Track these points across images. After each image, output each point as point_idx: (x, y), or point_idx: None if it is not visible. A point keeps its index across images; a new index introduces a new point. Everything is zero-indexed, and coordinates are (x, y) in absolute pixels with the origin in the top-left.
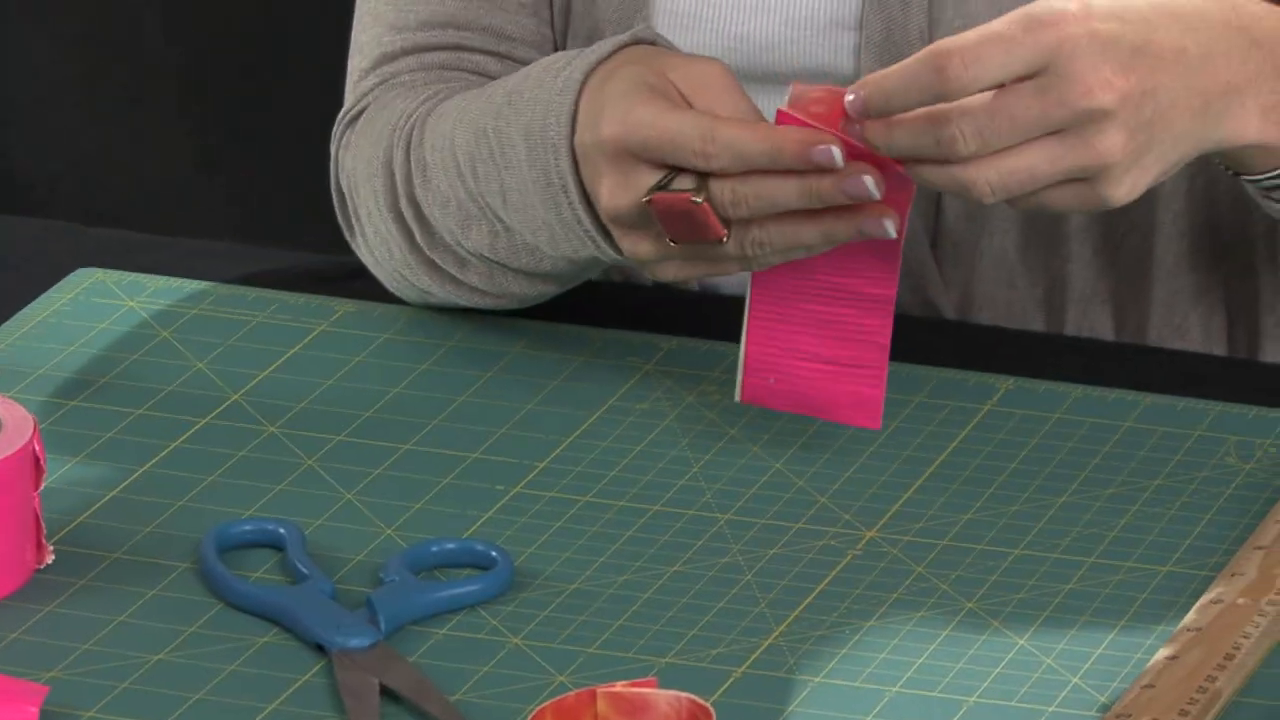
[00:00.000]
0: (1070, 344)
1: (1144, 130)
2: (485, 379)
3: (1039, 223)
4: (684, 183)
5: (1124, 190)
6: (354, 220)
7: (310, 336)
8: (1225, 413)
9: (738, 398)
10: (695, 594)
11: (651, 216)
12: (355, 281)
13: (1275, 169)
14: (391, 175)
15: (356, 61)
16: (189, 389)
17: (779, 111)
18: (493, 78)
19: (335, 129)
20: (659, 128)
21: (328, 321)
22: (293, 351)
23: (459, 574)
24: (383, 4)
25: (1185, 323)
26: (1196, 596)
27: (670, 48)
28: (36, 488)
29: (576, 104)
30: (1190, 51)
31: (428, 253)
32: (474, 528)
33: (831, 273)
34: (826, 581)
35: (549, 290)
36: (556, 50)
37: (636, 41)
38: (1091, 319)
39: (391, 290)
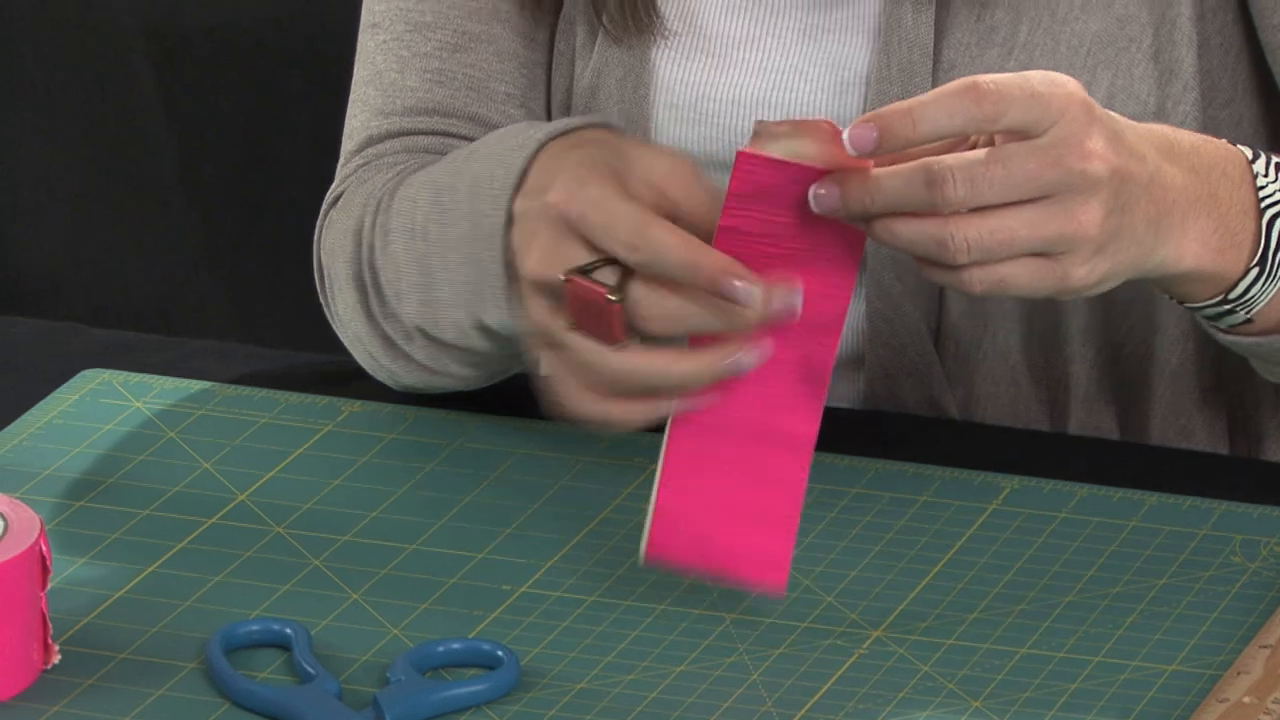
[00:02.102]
0: (1075, 443)
1: (1119, 214)
2: (491, 479)
3: (1041, 322)
4: (607, 276)
5: (1084, 272)
6: (330, 297)
7: (316, 437)
8: (1230, 512)
9: (642, 557)
10: (702, 693)
11: (563, 296)
12: (361, 382)
13: (1214, 298)
14: (359, 243)
15: (345, 146)
16: (195, 489)
17: (739, 152)
18: None
19: (322, 209)
20: (601, 208)
21: (334, 422)
22: (299, 452)
23: (465, 673)
24: (372, 90)
25: (1190, 424)
26: (1202, 695)
27: (634, 139)
28: (43, 588)
29: (528, 165)
30: (1149, 159)
31: (381, 323)
32: (480, 627)
33: (755, 408)
34: (833, 681)
35: (482, 373)
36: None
37: (604, 124)
38: (1096, 419)
39: (363, 365)
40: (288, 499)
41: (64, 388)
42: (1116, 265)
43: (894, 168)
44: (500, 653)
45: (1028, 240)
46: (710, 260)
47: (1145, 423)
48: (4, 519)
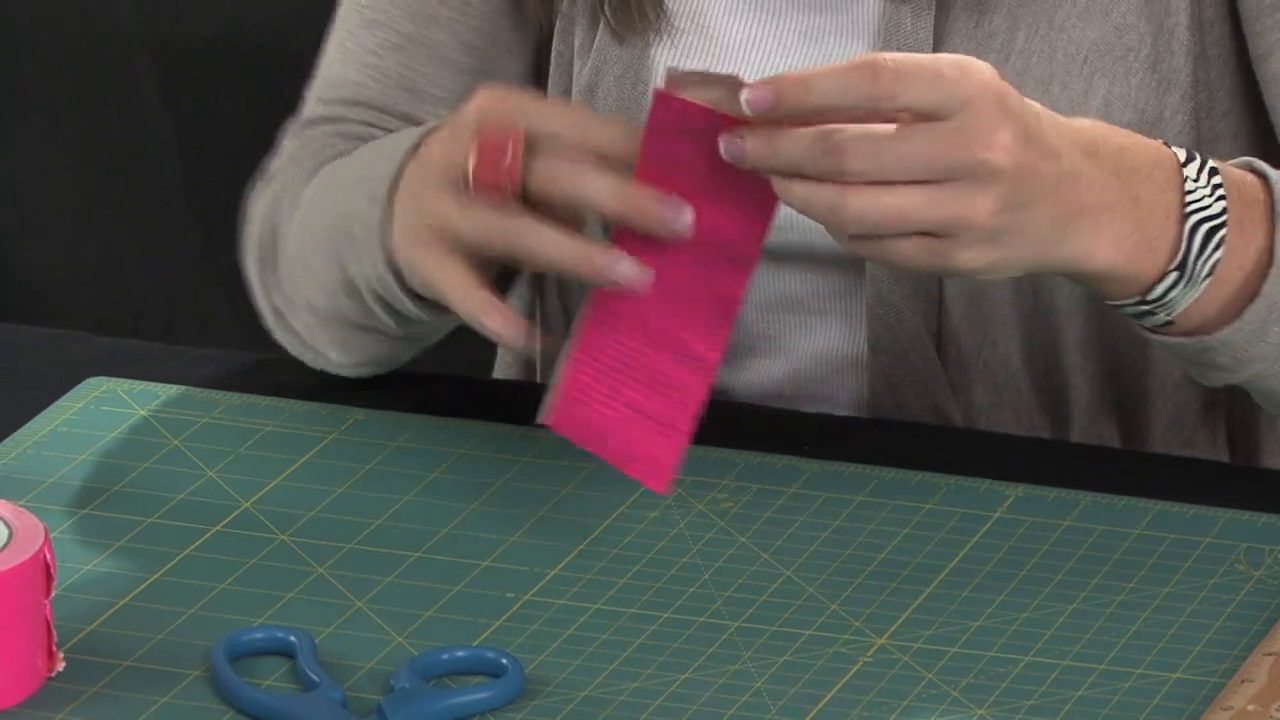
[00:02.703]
0: (1079, 452)
1: (1016, 210)
2: (495, 487)
3: (1039, 334)
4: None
5: (969, 257)
6: (244, 258)
7: (321, 445)
8: (1235, 520)
9: (541, 418)
10: (706, 701)
11: (470, 155)
12: (365, 390)
13: (1130, 298)
14: (268, 215)
15: (290, 126)
16: (199, 497)
17: (656, 91)
18: None
19: (255, 184)
20: (518, 100)
21: (338, 430)
22: (303, 460)
23: (469, 681)
24: (319, 78)
25: (1193, 436)
26: (1206, 703)
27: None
28: (47, 595)
29: (419, 141)
30: (1063, 160)
31: (271, 293)
32: (484, 635)
33: (667, 317)
34: (837, 689)
35: (349, 357)
36: None
37: None
38: (1098, 429)
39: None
40: (292, 507)
41: (68, 396)
42: (1007, 256)
43: (799, 130)
44: (504, 660)
45: (917, 220)
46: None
47: (1147, 434)
48: (8, 527)
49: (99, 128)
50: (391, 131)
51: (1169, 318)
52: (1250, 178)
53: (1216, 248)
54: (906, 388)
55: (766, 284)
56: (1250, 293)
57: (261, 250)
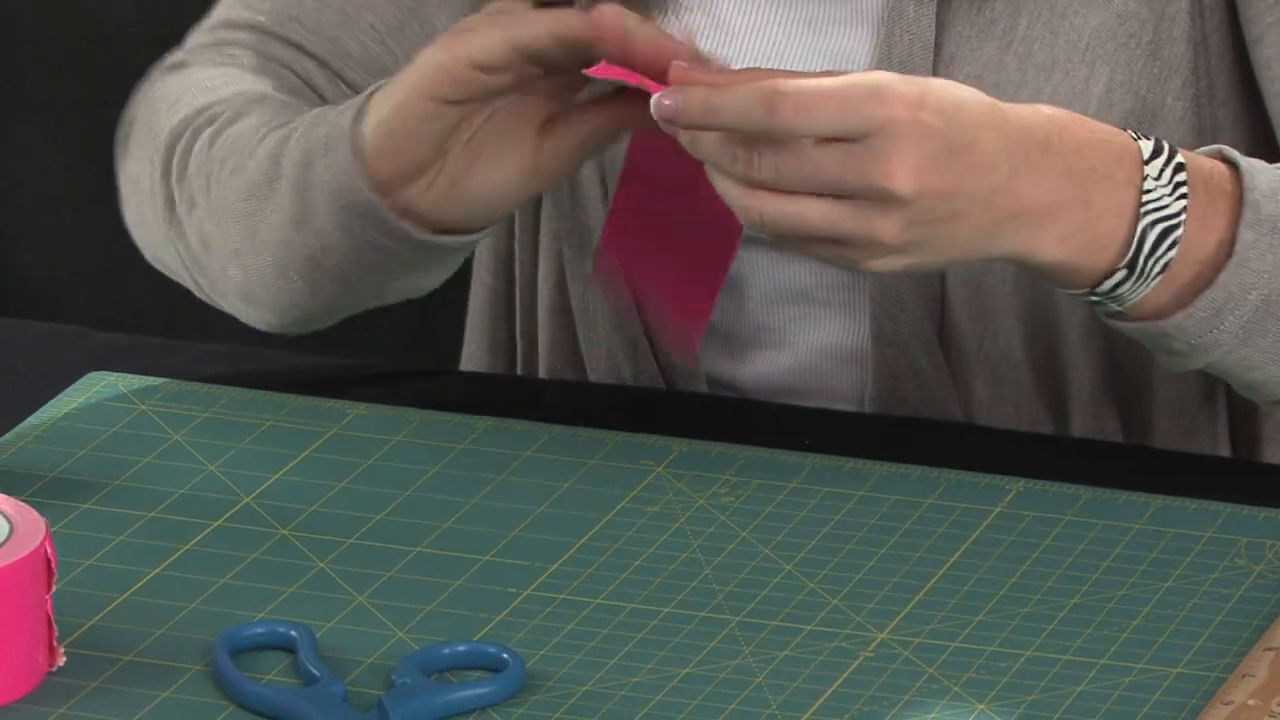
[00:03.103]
0: (1081, 446)
1: (925, 227)
2: (497, 482)
3: (1041, 327)
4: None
5: (878, 266)
6: (127, 148)
7: (322, 440)
8: (1236, 515)
9: (595, 252)
10: (707, 696)
11: None
12: (367, 385)
13: (1080, 289)
14: (199, 113)
15: (201, 24)
16: (201, 492)
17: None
18: (318, 93)
19: (156, 69)
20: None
21: (339, 425)
22: (304, 454)
23: (470, 676)
24: None
25: (1193, 426)
26: (1207, 698)
27: None
28: (48, 590)
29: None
30: (1000, 169)
31: (172, 185)
32: (485, 630)
33: (699, 180)
34: (838, 683)
35: (252, 277)
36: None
37: None
38: (1100, 422)
39: (129, 212)
40: (293, 502)
41: (69, 391)
42: (924, 262)
43: (709, 135)
44: (505, 655)
45: (820, 229)
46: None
47: (1148, 424)
48: (9, 522)
49: (100, 127)
50: (313, 59)
51: (1120, 308)
52: (1221, 168)
53: (1170, 247)
54: (908, 379)
55: (771, 275)
56: (1205, 281)
57: (172, 140)
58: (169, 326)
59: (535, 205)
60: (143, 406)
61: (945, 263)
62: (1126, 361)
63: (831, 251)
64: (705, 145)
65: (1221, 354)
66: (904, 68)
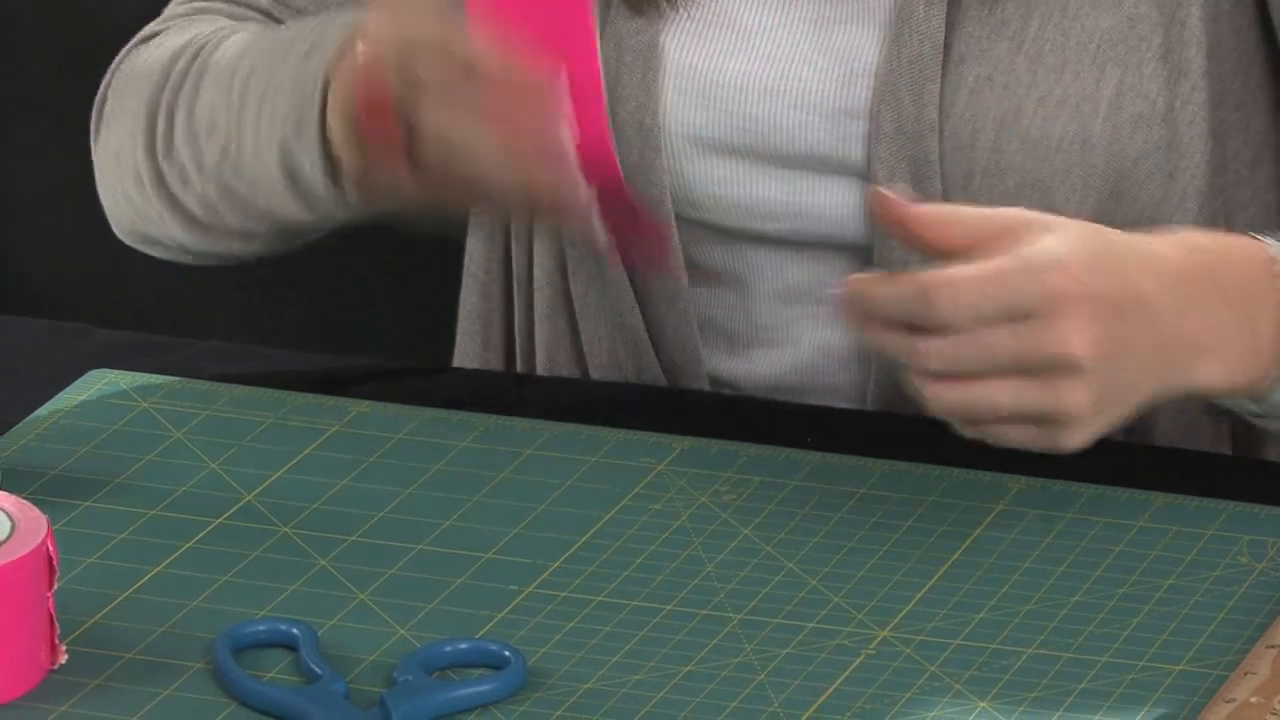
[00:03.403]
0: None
1: (1110, 385)
2: (498, 479)
3: None
4: None
5: (1079, 439)
6: (103, 123)
7: (324, 437)
8: (1237, 513)
9: None
10: (709, 694)
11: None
12: (368, 383)
13: (1241, 401)
14: (166, 77)
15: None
16: (202, 490)
17: None
18: None
19: (129, 44)
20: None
21: (341, 422)
22: (306, 452)
23: (472, 674)
24: None
25: (1196, 424)
26: (1209, 696)
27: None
28: (50, 588)
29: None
30: (1166, 310)
31: (159, 160)
32: (487, 628)
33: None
34: (840, 681)
35: (259, 241)
36: None
37: None
38: None
39: (110, 214)
40: (295, 499)
41: (71, 388)
42: (1120, 415)
43: (879, 340)
44: (507, 653)
45: (1010, 408)
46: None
47: (1150, 424)
48: (11, 519)
49: None
50: (291, 10)
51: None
52: None
53: None
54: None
55: (774, 274)
56: None
57: (151, 112)
58: (169, 326)
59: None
60: (144, 404)
61: (1138, 407)
62: None
63: (1028, 435)
64: (876, 339)
65: None
66: (913, 68)
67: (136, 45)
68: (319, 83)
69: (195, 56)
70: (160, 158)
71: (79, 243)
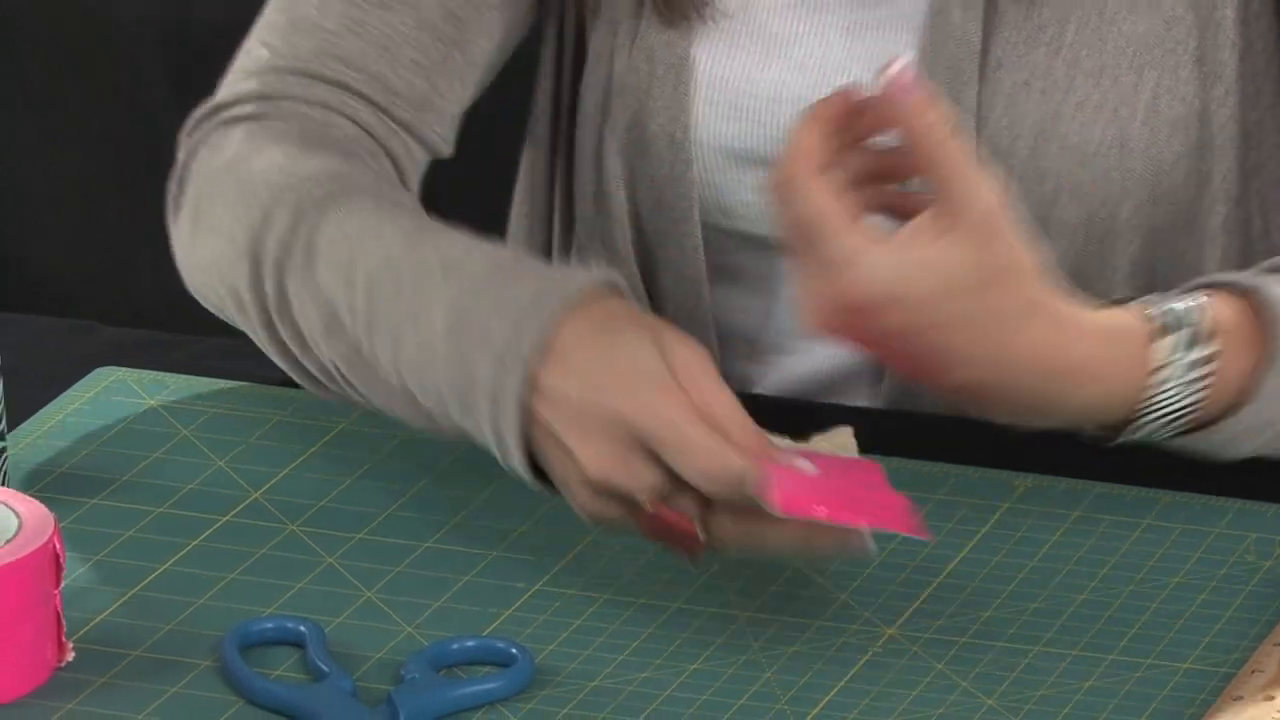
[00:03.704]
0: (1089, 442)
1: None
2: (504, 477)
3: None
4: (686, 503)
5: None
6: (191, 215)
7: (330, 435)
8: (1244, 510)
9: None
10: (716, 691)
11: (635, 507)
12: None
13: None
14: (268, 223)
15: (242, 61)
16: (209, 487)
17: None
18: (369, 132)
19: (196, 114)
20: (677, 432)
21: (347, 420)
22: (313, 450)
23: (479, 671)
24: (280, 16)
25: None
26: (1216, 694)
27: (650, 318)
28: (57, 585)
29: (551, 339)
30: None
31: (272, 313)
32: (494, 625)
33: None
34: (847, 679)
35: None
36: (450, 116)
37: (610, 283)
38: None
39: (191, 288)
40: (301, 497)
41: (77, 386)
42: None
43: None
44: (514, 650)
45: None
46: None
47: None
48: (18, 517)
49: (107, 119)
50: (359, 98)
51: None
52: (1247, 320)
53: (1189, 417)
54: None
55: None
56: (1224, 414)
57: (258, 255)
58: (178, 320)
59: (546, 216)
60: (151, 402)
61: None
62: None
63: None
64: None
65: (1251, 448)
66: (950, 74)
67: (214, 125)
68: (488, 401)
69: (300, 217)
70: (272, 310)
71: (80, 241)
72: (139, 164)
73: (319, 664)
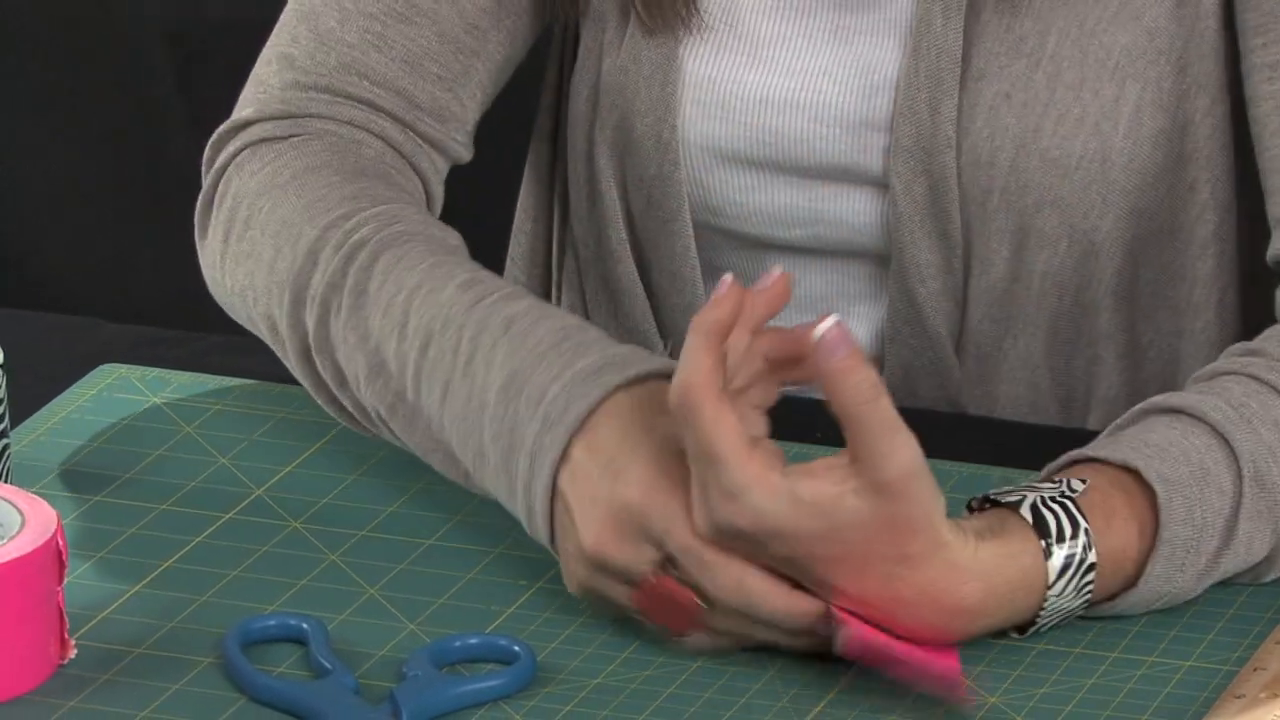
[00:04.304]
0: (1093, 439)
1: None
2: None
3: (1065, 327)
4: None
5: None
6: (221, 239)
7: (333, 432)
8: None
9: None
10: (719, 688)
11: (637, 583)
12: None
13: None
14: (313, 259)
15: (263, 72)
16: (212, 484)
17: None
18: (396, 149)
19: (221, 131)
20: (691, 552)
21: None
22: (316, 447)
23: (482, 669)
24: (305, 29)
25: None
26: (1219, 692)
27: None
28: (60, 582)
29: (594, 407)
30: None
31: (314, 352)
32: (497, 622)
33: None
34: (849, 676)
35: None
36: (471, 124)
37: (663, 372)
38: (1114, 419)
39: (220, 303)
40: (304, 494)
41: (81, 383)
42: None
43: None
44: (517, 648)
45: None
46: (804, 607)
47: None
48: (21, 514)
49: (114, 117)
50: (386, 115)
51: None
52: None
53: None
54: (922, 379)
55: (795, 281)
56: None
57: (302, 296)
58: (182, 317)
59: (548, 211)
60: (154, 399)
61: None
62: (1149, 364)
63: None
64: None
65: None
66: (931, 81)
67: (243, 142)
68: (527, 460)
69: (349, 260)
70: (312, 347)
71: (81, 239)
72: (140, 162)
73: (321, 661)
